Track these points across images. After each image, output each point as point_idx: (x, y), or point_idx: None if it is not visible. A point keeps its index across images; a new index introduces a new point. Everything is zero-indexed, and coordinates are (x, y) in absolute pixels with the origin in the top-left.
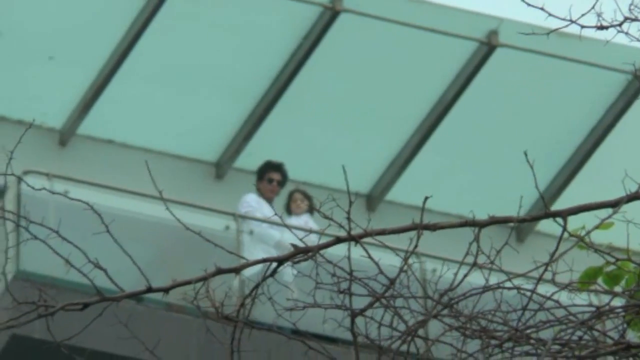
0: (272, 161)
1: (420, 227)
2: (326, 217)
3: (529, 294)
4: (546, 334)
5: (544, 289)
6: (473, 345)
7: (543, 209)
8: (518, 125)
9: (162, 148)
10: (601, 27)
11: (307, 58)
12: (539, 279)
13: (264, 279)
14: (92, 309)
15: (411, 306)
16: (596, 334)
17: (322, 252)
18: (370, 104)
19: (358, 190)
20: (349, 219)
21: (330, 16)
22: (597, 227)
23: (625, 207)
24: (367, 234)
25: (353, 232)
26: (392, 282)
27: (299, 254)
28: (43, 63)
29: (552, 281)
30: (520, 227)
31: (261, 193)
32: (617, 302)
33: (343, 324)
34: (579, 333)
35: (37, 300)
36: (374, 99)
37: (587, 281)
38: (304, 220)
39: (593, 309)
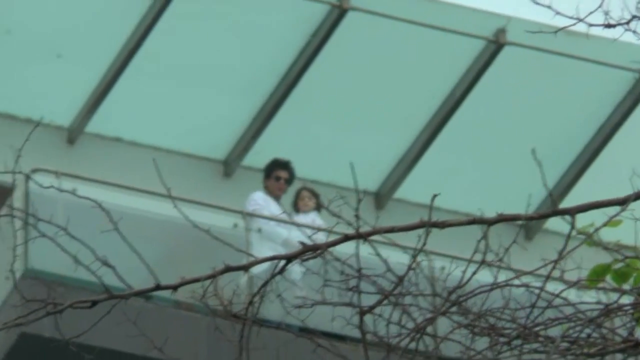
0: (279, 159)
1: (428, 225)
2: (334, 215)
3: (537, 291)
4: (555, 332)
5: (553, 286)
6: (481, 343)
7: (551, 207)
8: (526, 123)
9: (170, 146)
10: (609, 26)
11: (315, 56)
12: (548, 277)
13: (273, 276)
14: (101, 307)
15: (420, 304)
16: (605, 331)
17: (330, 249)
18: (378, 101)
19: (366, 188)
20: (357, 216)
21: (338, 14)
22: (605, 225)
23: (633, 205)
24: (375, 232)
25: (361, 230)
26: (400, 279)
27: (308, 251)
28: (51, 61)
29: (561, 279)
30: (529, 224)
31: (269, 191)
32: (626, 299)
33: (351, 321)
34: (587, 331)
35: (45, 298)
36: (381, 96)
37: (595, 279)
38: (311, 218)
39: (601, 306)
